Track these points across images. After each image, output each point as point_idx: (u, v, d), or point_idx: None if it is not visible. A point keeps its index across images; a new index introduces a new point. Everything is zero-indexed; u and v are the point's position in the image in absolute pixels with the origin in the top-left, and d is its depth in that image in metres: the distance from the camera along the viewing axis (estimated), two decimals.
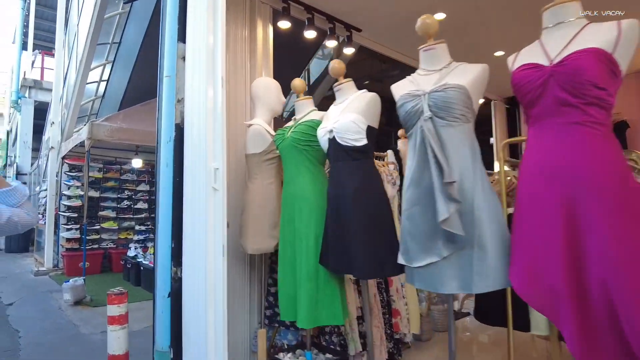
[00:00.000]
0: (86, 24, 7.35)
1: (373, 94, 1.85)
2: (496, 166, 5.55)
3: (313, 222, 2.04)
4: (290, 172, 2.19)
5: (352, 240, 1.75)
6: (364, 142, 1.78)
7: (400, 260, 1.64)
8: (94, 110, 9.23)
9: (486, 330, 4.26)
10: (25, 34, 15.54)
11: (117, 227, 7.89)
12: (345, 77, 2.13)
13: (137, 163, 7.45)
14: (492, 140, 6.49)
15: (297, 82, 2.30)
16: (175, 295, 2.35)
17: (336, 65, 1.98)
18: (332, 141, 1.86)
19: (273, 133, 2.44)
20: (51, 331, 4.24)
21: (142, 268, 6.14)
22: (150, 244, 8.07)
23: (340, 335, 2.60)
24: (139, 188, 8.16)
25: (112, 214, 7.84)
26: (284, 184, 2.27)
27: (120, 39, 7.54)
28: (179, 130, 2.42)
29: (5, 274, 7.38)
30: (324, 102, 12.77)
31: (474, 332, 4.23)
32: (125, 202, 8.02)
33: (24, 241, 10.67)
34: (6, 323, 4.59)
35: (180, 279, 2.34)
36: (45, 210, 8.57)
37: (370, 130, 1.80)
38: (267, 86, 2.53)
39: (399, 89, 1.64)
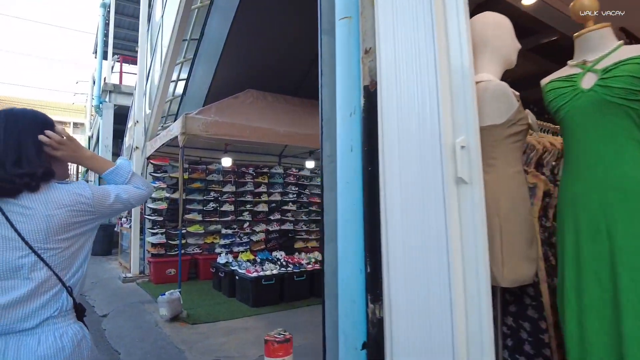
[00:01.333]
0: (171, 17, 6.95)
1: None
2: None
3: None
4: (593, 148, 1.30)
5: None
6: None
7: None
8: (172, 111, 8.93)
9: None
10: (105, 44, 15.95)
11: (202, 231, 7.41)
12: None
13: (226, 162, 6.91)
14: None
15: (587, 1, 1.40)
16: (375, 345, 1.53)
17: None
18: None
19: (517, 93, 1.55)
20: (154, 355, 3.65)
21: (237, 277, 5.52)
22: (237, 249, 7.52)
23: None
24: (225, 189, 7.64)
25: (198, 217, 7.37)
26: (573, 170, 1.38)
27: (202, 34, 7.06)
28: (370, 95, 1.61)
29: (95, 279, 7.13)
30: None
31: None
32: (211, 205, 7.53)
33: (107, 244, 10.67)
34: (104, 340, 4.10)
35: (381, 320, 1.53)
36: (129, 214, 8.32)
37: None
38: (498, 24, 1.65)
39: None
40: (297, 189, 8.63)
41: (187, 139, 4.94)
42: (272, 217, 8.24)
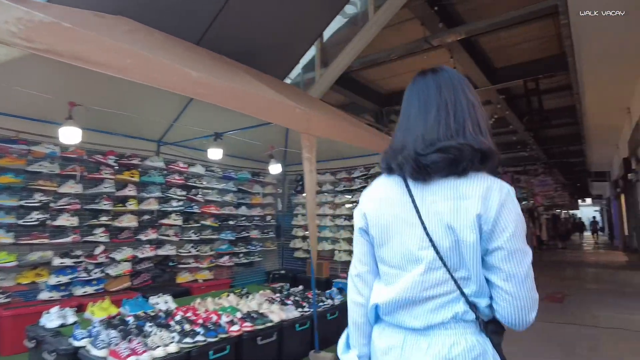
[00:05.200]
0: None
1: None
2: None
3: None
4: None
5: None
6: None
7: None
8: None
9: None
10: None
11: (15, 263, 4.13)
12: None
13: (71, 136, 3.72)
14: None
15: None
16: None
17: None
18: None
19: None
20: None
21: None
22: (81, 291, 4.46)
23: None
24: (63, 189, 4.47)
25: (8, 238, 4.07)
26: None
27: None
28: None
29: None
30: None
31: None
32: (36, 215, 4.28)
33: None
34: None
35: None
36: None
37: None
38: None
39: None
40: (184, 192, 5.85)
41: None
42: (143, 237, 5.30)
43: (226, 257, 6.33)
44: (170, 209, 5.66)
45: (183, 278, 5.78)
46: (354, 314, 1.16)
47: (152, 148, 5.75)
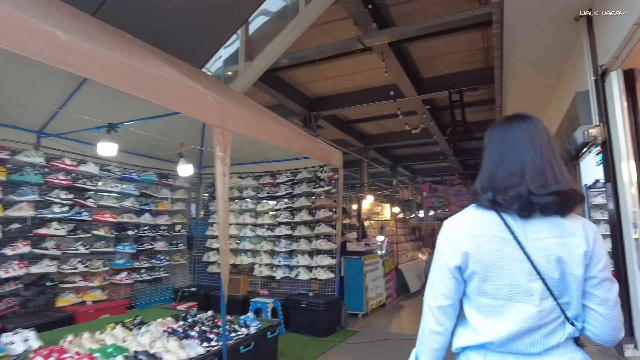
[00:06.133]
0: None
1: None
2: None
3: None
4: None
5: None
6: None
7: None
8: None
9: None
10: None
11: None
12: None
13: None
14: None
15: None
16: None
17: None
18: None
19: None
20: None
21: None
22: None
23: None
24: None
25: None
26: None
27: None
28: None
29: None
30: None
31: None
32: None
33: None
34: None
35: None
36: None
37: None
38: None
39: None
40: (71, 196, 4.79)
41: None
42: (10, 251, 4.19)
43: (124, 274, 5.33)
44: (50, 215, 4.59)
45: (66, 300, 4.72)
46: (431, 341, 1.23)
47: (30, 140, 4.64)
